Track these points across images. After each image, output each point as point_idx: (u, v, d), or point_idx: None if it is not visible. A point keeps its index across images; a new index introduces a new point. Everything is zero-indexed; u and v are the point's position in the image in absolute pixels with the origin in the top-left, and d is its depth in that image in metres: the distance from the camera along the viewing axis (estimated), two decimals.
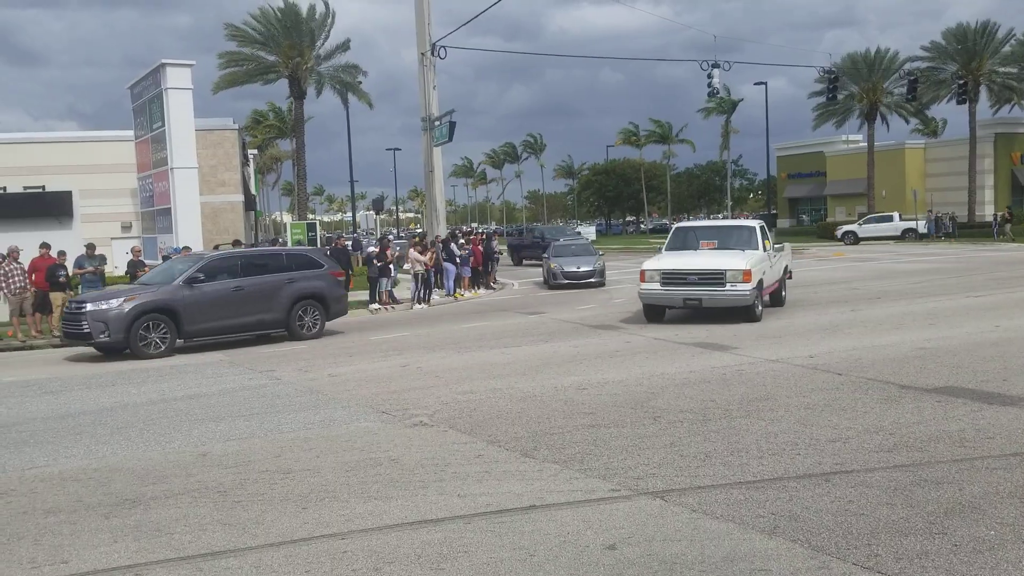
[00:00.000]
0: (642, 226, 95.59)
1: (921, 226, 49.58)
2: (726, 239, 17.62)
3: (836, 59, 50.61)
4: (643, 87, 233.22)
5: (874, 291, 21.16)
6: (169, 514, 6.38)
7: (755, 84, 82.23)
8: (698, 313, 16.89)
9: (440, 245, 26.05)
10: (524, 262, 41.49)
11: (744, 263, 15.91)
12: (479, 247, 28.12)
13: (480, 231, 40.97)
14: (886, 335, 13.70)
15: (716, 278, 15.96)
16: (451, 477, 7.01)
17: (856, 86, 57.21)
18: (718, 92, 36.80)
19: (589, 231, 75.43)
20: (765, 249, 17.18)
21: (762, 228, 17.88)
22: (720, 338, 14.28)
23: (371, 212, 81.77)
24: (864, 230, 51.14)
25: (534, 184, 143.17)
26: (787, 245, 20.97)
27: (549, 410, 9.36)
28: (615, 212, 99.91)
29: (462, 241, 28.03)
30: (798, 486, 6.38)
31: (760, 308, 16.20)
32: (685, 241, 18.12)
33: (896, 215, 52.19)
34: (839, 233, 52.70)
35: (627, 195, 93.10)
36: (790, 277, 20.04)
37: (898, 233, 49.71)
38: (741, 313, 15.99)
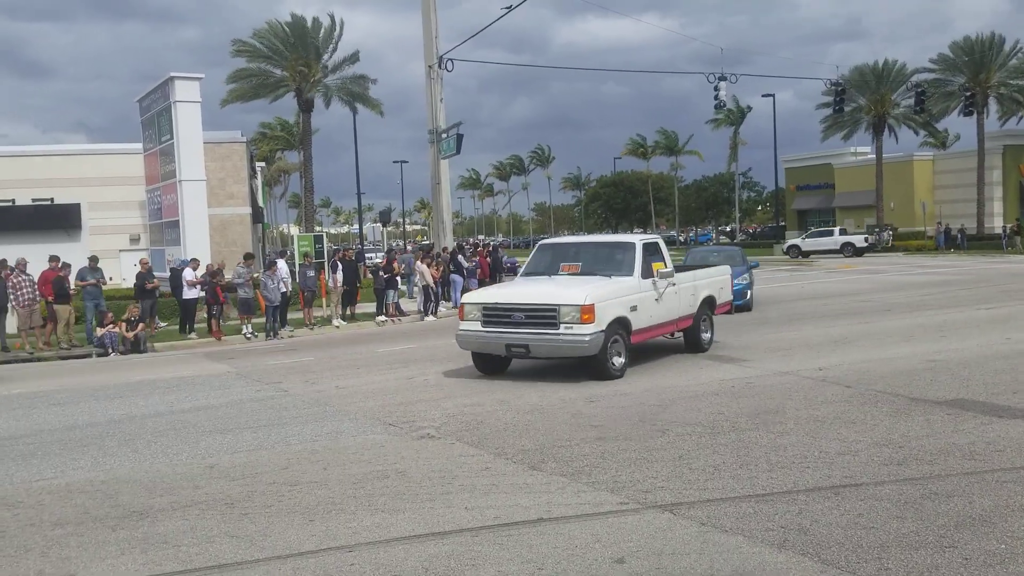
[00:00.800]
0: None
1: (859, 240, 50.72)
2: (593, 261, 13.41)
3: (844, 71, 50.66)
4: (649, 99, 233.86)
5: (883, 303, 21.09)
6: (176, 526, 6.38)
7: (763, 96, 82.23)
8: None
9: (447, 257, 26.08)
10: None
11: (584, 296, 11.69)
12: (486, 259, 28.13)
13: (487, 243, 40.95)
14: (896, 347, 13.64)
15: (546, 316, 11.79)
16: (458, 490, 6.99)
17: (864, 98, 57.17)
18: (725, 104, 36.82)
19: None
20: (651, 275, 12.90)
21: (649, 247, 13.38)
22: (730, 350, 14.24)
23: (378, 224, 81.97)
24: (807, 244, 52.67)
25: (541, 196, 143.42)
26: (722, 268, 16.46)
27: (556, 423, 9.33)
28: (623, 224, 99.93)
29: (469, 253, 28.05)
30: (808, 499, 6.34)
31: (620, 361, 12.06)
32: (546, 263, 13.76)
33: (837, 229, 53.89)
34: (784, 247, 54.41)
35: (635, 207, 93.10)
36: (728, 309, 16.13)
37: (837, 247, 50.79)
38: (591, 369, 11.95)
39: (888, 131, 59.41)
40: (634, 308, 12.46)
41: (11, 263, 20.06)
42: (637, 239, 13.55)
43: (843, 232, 52.72)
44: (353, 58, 42.54)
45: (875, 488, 6.54)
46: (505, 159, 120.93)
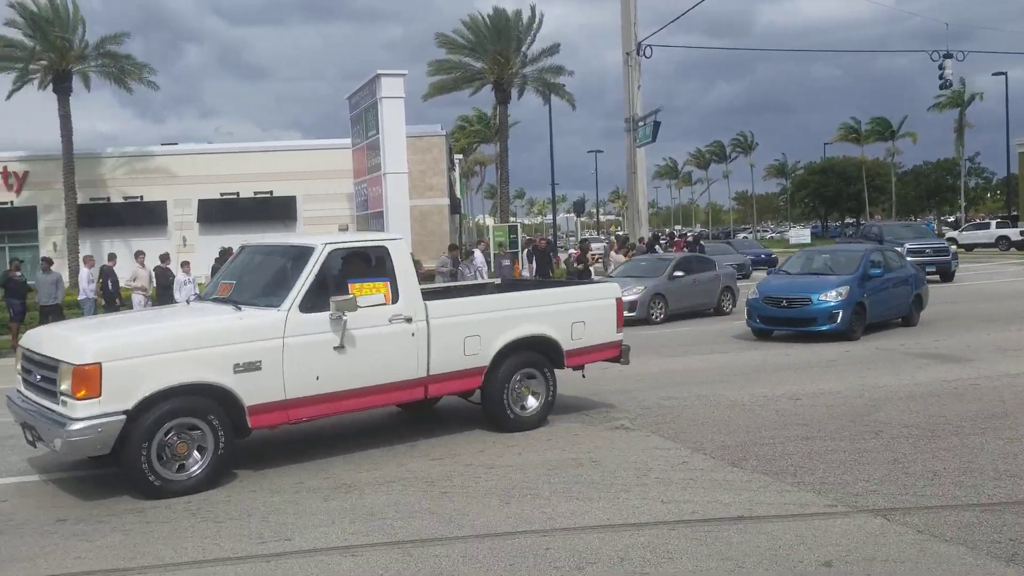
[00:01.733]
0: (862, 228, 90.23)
1: (1015, 234, 48.00)
2: (250, 278, 8.59)
3: None
4: (861, 80, 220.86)
5: None
6: (382, 500, 6.65)
7: (993, 75, 75.45)
8: (925, 322, 15.44)
9: (643, 248, 25.81)
10: None
11: (83, 348, 6.87)
12: (683, 249, 27.61)
13: (684, 233, 40.20)
14: None
15: (50, 379, 7.09)
16: (654, 482, 6.87)
17: None
18: (951, 84, 34.10)
19: (804, 233, 72.48)
20: (322, 307, 7.67)
21: (338, 255, 8.14)
22: (952, 349, 13.18)
23: (572, 215, 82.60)
24: (963, 237, 50.57)
25: (743, 185, 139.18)
26: (583, 289, 10.43)
27: (758, 419, 8.98)
28: (832, 213, 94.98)
29: (665, 243, 27.63)
30: None
31: (197, 465, 7.07)
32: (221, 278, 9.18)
33: (993, 223, 52.09)
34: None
35: (847, 195, 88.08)
36: (615, 355, 9.93)
37: (992, 240, 48.22)
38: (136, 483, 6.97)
39: None
40: (254, 366, 7.30)
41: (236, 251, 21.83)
42: (321, 243, 8.05)
43: (1001, 225, 50.78)
44: (552, 50, 42.93)
45: None
46: (704, 147, 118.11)
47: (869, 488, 6.45)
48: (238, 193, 38.83)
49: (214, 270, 20.90)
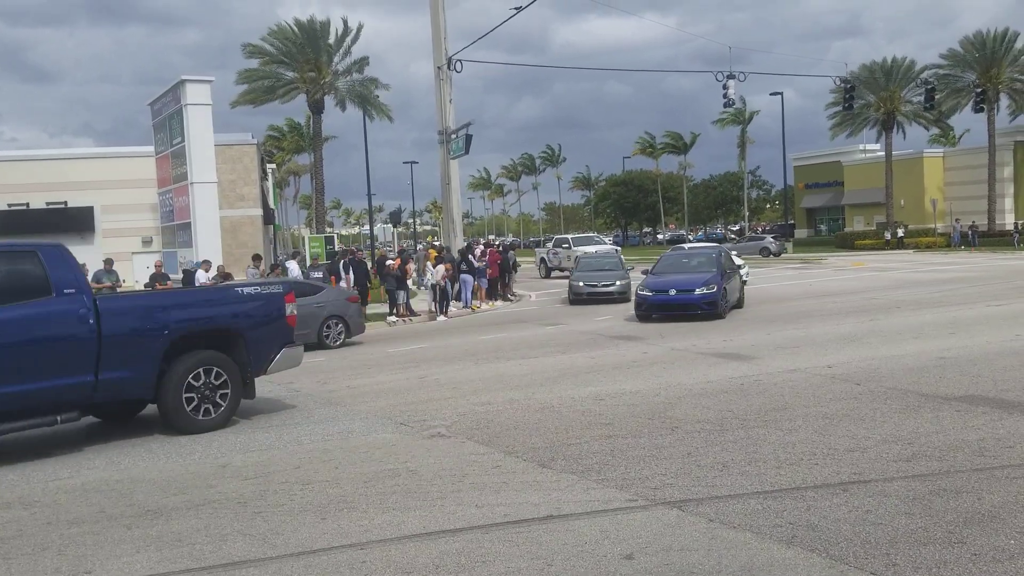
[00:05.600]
0: (659, 237, 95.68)
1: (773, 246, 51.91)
2: None
3: (852, 68, 50.61)
4: (651, 99, 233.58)
5: (893, 301, 21.03)
6: (190, 524, 6.45)
7: (771, 95, 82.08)
8: (716, 323, 16.55)
9: (459, 258, 26.14)
10: None
11: None
12: (497, 257, 28.17)
13: (497, 243, 41.00)
14: (905, 344, 13.63)
15: None
16: (469, 488, 7.05)
17: (873, 95, 56.98)
18: (734, 103, 36.69)
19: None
20: None
21: None
22: (738, 348, 14.24)
23: (389, 225, 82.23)
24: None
25: (551, 196, 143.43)
26: None
27: (566, 421, 9.38)
28: (632, 223, 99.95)
29: (478, 252, 28.10)
30: (816, 495, 6.36)
31: None
32: None
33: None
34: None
35: (644, 206, 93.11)
36: None
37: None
38: None
39: (897, 128, 59.22)
40: None
41: None
42: None
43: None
44: (365, 62, 42.73)
45: (884, 484, 6.56)
46: (517, 159, 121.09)
47: (666, 481, 6.91)
48: (27, 204, 36.03)
49: None
